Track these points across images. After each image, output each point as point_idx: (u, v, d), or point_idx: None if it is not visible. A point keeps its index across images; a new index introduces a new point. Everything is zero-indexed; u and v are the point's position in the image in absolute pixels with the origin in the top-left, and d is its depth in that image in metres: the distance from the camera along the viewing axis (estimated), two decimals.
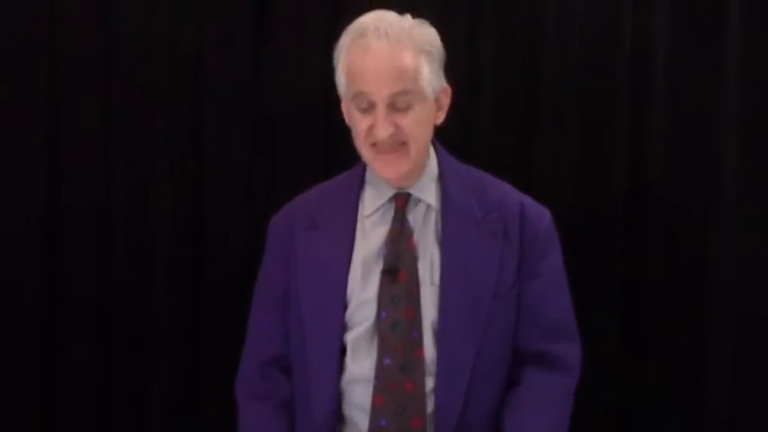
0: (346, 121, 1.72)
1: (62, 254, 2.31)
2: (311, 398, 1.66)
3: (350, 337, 1.66)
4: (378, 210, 1.72)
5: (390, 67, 1.59)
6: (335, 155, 2.23)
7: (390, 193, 1.72)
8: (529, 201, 1.76)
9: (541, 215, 1.74)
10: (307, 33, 2.29)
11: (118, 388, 2.33)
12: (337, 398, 1.66)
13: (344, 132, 1.74)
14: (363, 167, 1.76)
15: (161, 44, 2.29)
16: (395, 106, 1.61)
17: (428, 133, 1.69)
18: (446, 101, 1.71)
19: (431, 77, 1.63)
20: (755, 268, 2.27)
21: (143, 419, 2.33)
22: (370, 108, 1.62)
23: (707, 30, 2.27)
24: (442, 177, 1.73)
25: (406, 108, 1.61)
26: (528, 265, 1.69)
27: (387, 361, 1.63)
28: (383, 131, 1.61)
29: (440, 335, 1.63)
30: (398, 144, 1.63)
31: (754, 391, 2.28)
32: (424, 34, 1.65)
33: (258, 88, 2.31)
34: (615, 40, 2.28)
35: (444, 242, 1.67)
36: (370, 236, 1.70)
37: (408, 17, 1.66)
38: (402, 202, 1.71)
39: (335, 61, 1.67)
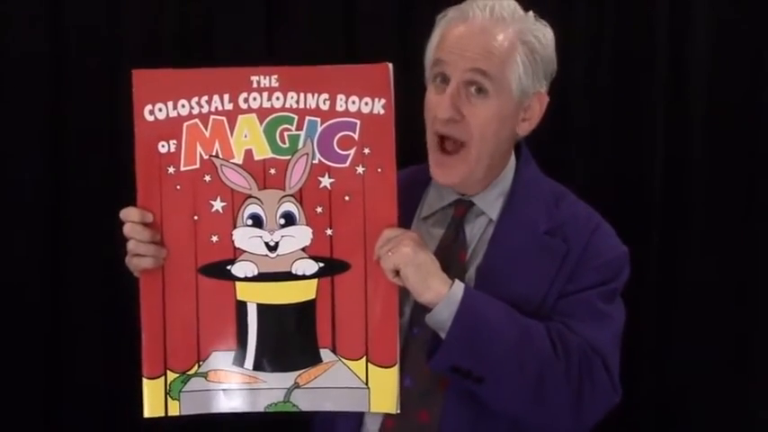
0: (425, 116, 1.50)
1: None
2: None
3: None
4: (435, 213, 1.55)
5: (480, 40, 1.41)
6: None
7: (452, 197, 1.54)
8: (607, 230, 1.52)
9: (613, 248, 1.50)
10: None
11: None
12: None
13: None
14: None
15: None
16: (469, 90, 1.42)
17: (499, 137, 1.46)
18: (537, 109, 1.49)
19: (523, 72, 1.43)
20: None
21: None
22: (443, 84, 1.44)
23: None
24: (512, 189, 1.52)
25: (481, 94, 1.42)
26: (565, 287, 1.45)
27: (407, 382, 1.46)
28: (444, 111, 1.42)
29: None
30: (458, 144, 1.45)
31: None
32: (536, 29, 1.45)
33: None
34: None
35: (489, 249, 1.48)
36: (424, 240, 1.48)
37: (531, 13, 1.48)
38: (462, 210, 1.53)
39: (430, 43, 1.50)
